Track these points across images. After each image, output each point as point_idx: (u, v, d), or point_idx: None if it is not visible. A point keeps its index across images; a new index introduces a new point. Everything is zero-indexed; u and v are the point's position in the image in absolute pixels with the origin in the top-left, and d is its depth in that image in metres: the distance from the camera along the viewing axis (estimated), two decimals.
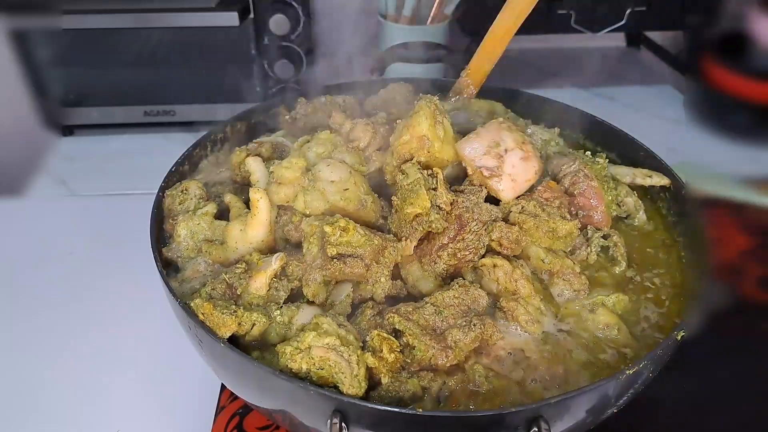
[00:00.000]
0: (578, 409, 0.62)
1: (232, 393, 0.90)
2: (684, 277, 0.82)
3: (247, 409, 0.89)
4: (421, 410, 0.59)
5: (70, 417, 0.91)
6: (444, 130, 0.81)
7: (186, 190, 0.85)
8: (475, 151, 0.81)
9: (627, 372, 0.62)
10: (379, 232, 0.77)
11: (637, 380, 0.65)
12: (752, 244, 1.18)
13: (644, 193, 0.92)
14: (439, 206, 0.76)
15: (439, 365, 0.67)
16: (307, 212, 0.77)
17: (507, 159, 0.80)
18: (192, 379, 0.93)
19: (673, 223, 0.90)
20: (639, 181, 0.91)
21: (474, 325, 0.68)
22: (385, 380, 0.65)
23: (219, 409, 0.90)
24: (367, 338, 0.67)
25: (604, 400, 0.64)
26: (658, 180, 0.91)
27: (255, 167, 0.81)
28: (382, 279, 0.74)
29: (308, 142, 0.85)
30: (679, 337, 0.66)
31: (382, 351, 0.66)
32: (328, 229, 0.72)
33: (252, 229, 0.78)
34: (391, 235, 0.77)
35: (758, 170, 1.34)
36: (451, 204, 0.77)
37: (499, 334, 0.70)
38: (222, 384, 0.93)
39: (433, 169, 0.78)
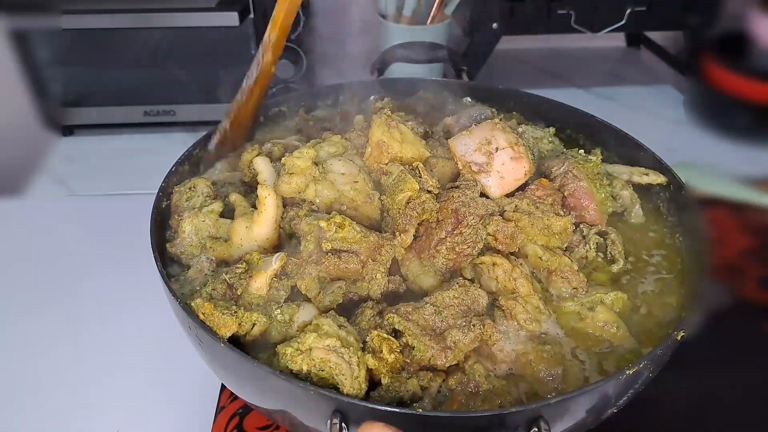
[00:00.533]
0: (578, 409, 0.62)
1: (232, 393, 0.90)
2: (681, 274, 0.83)
3: (247, 409, 0.89)
4: (421, 410, 0.59)
5: (70, 417, 0.91)
6: (401, 133, 0.85)
7: (194, 187, 0.86)
8: (465, 147, 0.84)
9: (627, 372, 0.62)
10: (376, 231, 0.77)
11: (637, 380, 0.65)
12: (752, 244, 1.18)
13: (643, 193, 0.92)
14: (428, 190, 0.78)
15: (438, 365, 0.67)
16: (317, 200, 0.79)
17: (497, 157, 0.82)
18: (192, 379, 0.93)
19: (672, 223, 0.90)
20: (636, 179, 0.92)
21: (473, 326, 0.68)
22: (385, 380, 0.65)
23: (219, 409, 0.90)
24: (367, 338, 0.67)
25: (604, 400, 0.64)
26: (655, 178, 0.91)
27: (262, 167, 0.82)
28: (378, 276, 0.74)
29: (319, 143, 0.87)
30: (679, 337, 0.66)
31: (381, 351, 0.66)
32: (323, 224, 0.73)
33: (258, 227, 0.79)
34: (387, 233, 0.78)
35: (758, 170, 1.34)
36: (445, 198, 0.79)
37: (498, 334, 0.70)
38: (222, 384, 0.93)
39: (412, 163, 0.82)
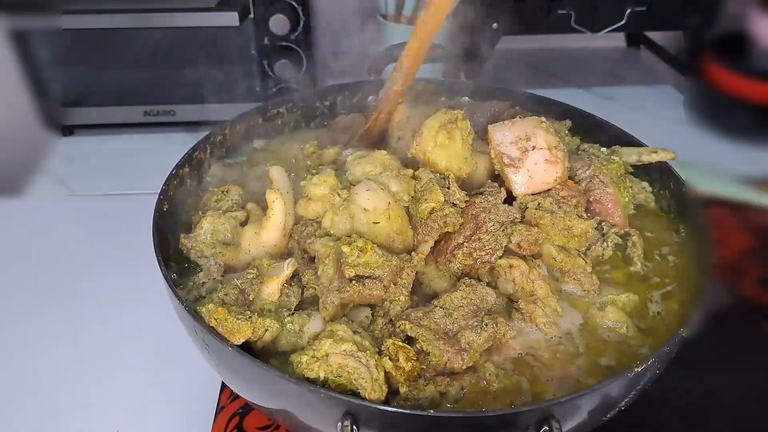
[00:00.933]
0: (589, 408, 0.62)
1: (232, 393, 0.90)
2: (686, 272, 0.82)
3: (247, 408, 0.89)
4: (432, 411, 0.59)
5: (70, 417, 0.90)
6: (449, 138, 0.81)
7: (227, 192, 0.87)
8: (503, 137, 0.82)
9: (636, 370, 0.62)
10: (396, 254, 0.75)
11: (645, 377, 0.66)
12: (752, 244, 1.18)
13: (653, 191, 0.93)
14: (453, 203, 0.77)
15: (455, 368, 0.67)
16: (331, 232, 0.76)
17: (531, 155, 0.80)
18: (192, 379, 0.93)
19: (674, 221, 0.90)
20: (645, 158, 0.91)
21: (486, 325, 0.68)
22: (403, 389, 0.65)
23: (219, 409, 0.90)
24: (382, 347, 0.67)
25: (613, 398, 0.64)
26: (664, 155, 0.91)
27: (277, 175, 0.81)
28: (402, 298, 0.72)
29: (363, 157, 0.83)
30: (684, 334, 0.66)
31: (398, 360, 0.65)
32: (346, 249, 0.70)
33: (266, 232, 0.78)
34: (405, 254, 0.75)
35: (758, 170, 1.34)
36: (467, 203, 0.78)
37: (511, 332, 0.70)
38: (222, 384, 0.93)
39: (444, 172, 0.80)
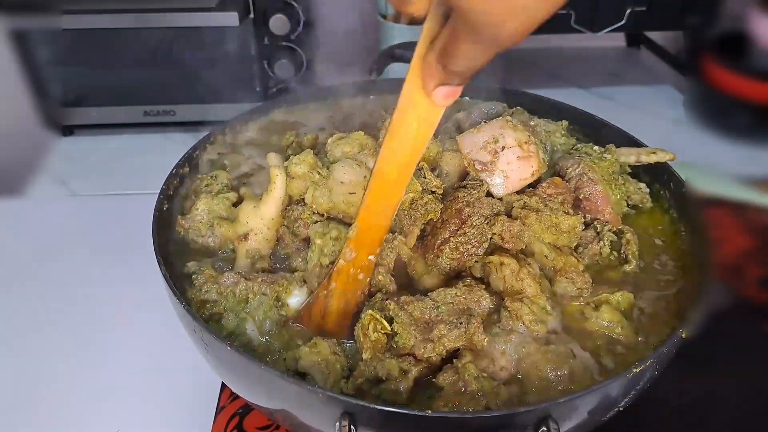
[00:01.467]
0: (587, 409, 0.62)
1: (232, 393, 0.90)
2: (684, 272, 0.82)
3: (247, 408, 0.89)
4: (430, 411, 0.59)
5: (70, 417, 0.90)
6: None
7: (216, 176, 0.90)
8: (472, 144, 0.83)
9: (634, 370, 0.62)
10: None
11: (644, 378, 0.65)
12: (753, 244, 1.18)
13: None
14: (431, 191, 0.80)
15: (417, 355, 0.67)
16: (313, 207, 0.80)
17: (502, 155, 0.81)
18: (192, 379, 0.93)
19: (673, 220, 0.90)
20: (644, 159, 0.91)
21: (460, 324, 0.68)
22: (366, 355, 0.67)
23: (219, 409, 0.90)
24: (362, 315, 0.69)
25: (611, 399, 0.64)
26: (663, 155, 0.90)
27: (275, 161, 0.85)
28: (380, 277, 0.74)
29: (342, 138, 0.88)
30: (683, 335, 0.66)
31: (368, 329, 0.67)
32: (318, 241, 0.74)
33: (265, 205, 0.82)
34: (390, 234, 0.77)
35: (758, 170, 1.34)
36: (451, 198, 0.79)
37: (483, 336, 0.68)
38: (222, 384, 0.93)
39: (419, 163, 0.82)
